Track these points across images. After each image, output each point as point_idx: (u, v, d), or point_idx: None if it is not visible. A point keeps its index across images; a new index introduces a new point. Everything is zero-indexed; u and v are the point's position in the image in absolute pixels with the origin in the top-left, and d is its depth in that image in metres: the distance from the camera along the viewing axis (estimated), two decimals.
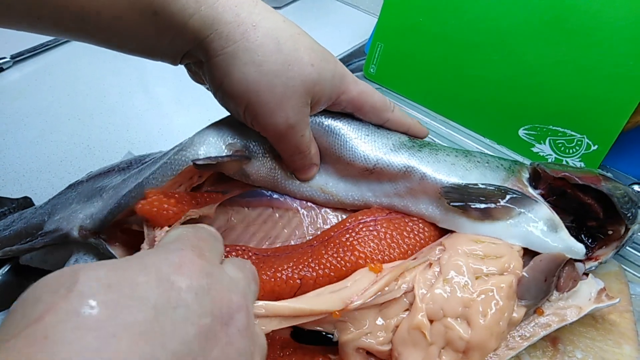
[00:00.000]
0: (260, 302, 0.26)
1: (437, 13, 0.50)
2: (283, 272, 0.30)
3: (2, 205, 0.43)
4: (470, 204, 0.31)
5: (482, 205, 0.31)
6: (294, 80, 0.29)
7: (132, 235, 0.32)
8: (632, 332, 0.34)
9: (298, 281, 0.30)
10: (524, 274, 0.30)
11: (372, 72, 0.56)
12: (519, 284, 0.30)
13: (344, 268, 0.31)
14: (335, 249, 0.31)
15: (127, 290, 0.17)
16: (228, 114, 0.34)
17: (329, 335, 0.30)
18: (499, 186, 0.33)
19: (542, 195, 0.34)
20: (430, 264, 0.31)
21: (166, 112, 0.66)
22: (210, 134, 0.33)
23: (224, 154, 0.32)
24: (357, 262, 0.31)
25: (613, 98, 0.43)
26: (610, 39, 0.42)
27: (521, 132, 0.48)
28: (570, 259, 0.32)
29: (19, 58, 0.71)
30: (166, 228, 0.29)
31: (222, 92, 0.30)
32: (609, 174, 0.35)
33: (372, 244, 0.31)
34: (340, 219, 0.35)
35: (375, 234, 0.32)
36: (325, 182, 0.35)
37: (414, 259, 0.32)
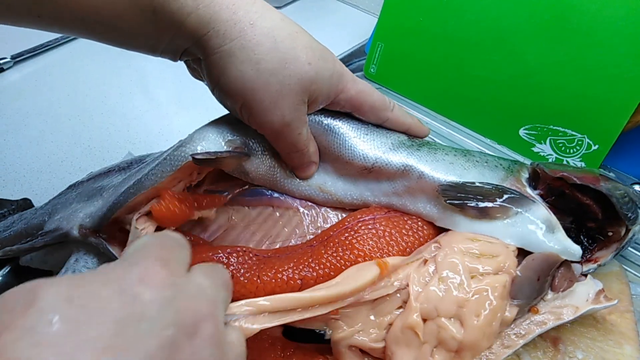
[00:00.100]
0: (242, 301, 0.26)
1: (438, 13, 0.50)
2: (284, 272, 0.30)
3: (1, 207, 0.43)
4: (467, 202, 0.31)
5: (479, 204, 0.31)
6: (290, 78, 0.29)
7: None
8: (633, 332, 0.34)
9: (299, 281, 0.30)
10: (518, 273, 0.30)
11: (372, 72, 0.56)
12: (512, 283, 0.30)
13: (343, 267, 0.31)
14: (334, 249, 0.31)
15: (89, 304, 0.17)
16: (228, 113, 0.34)
17: (321, 332, 0.30)
18: (497, 185, 0.33)
19: (541, 196, 0.34)
20: (425, 261, 0.31)
21: (166, 113, 0.66)
22: (209, 130, 0.33)
23: (224, 150, 0.32)
24: (357, 260, 0.31)
25: (613, 98, 0.43)
26: (610, 38, 0.42)
27: (522, 132, 0.48)
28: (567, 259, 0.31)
29: (19, 58, 0.72)
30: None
31: (219, 89, 0.31)
32: (610, 174, 0.35)
33: (371, 242, 0.31)
34: (340, 218, 0.35)
35: (374, 232, 0.32)
36: (324, 181, 0.35)
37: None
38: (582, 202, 0.33)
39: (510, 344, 0.30)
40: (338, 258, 0.31)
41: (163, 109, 0.67)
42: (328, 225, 0.35)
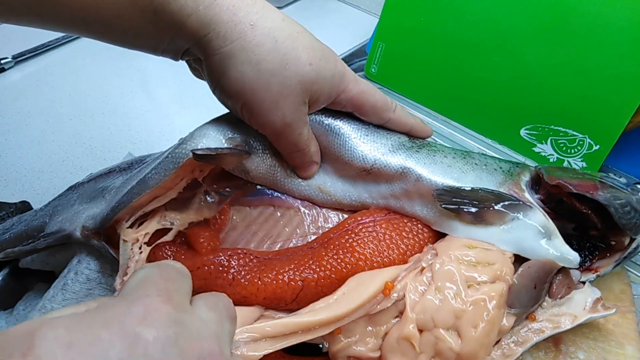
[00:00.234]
0: (243, 327, 0.25)
1: (439, 13, 0.50)
2: (285, 274, 0.30)
3: (0, 209, 0.43)
4: (462, 207, 0.31)
5: (475, 209, 0.31)
6: (291, 79, 0.29)
7: None
8: (634, 332, 0.34)
9: (300, 283, 0.30)
10: (514, 280, 0.30)
11: (373, 72, 0.56)
12: (509, 291, 0.30)
13: (344, 270, 0.31)
14: (335, 251, 0.31)
15: (89, 348, 0.16)
16: (229, 112, 0.34)
17: (319, 346, 0.30)
18: (493, 190, 0.32)
19: (542, 201, 0.33)
20: (422, 269, 0.30)
21: (167, 113, 0.66)
22: (210, 128, 0.33)
23: (224, 147, 0.32)
24: (357, 263, 0.31)
25: (615, 98, 0.43)
26: (611, 39, 0.42)
27: (523, 132, 0.48)
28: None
29: (20, 58, 0.72)
30: (135, 259, 0.30)
31: (220, 90, 0.31)
32: (610, 181, 0.33)
33: (371, 245, 0.31)
34: (341, 218, 0.35)
35: (375, 235, 0.32)
36: (323, 182, 0.35)
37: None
38: (580, 210, 0.32)
39: (511, 353, 0.30)
40: (339, 260, 0.31)
41: (164, 109, 0.67)
42: (329, 225, 0.35)
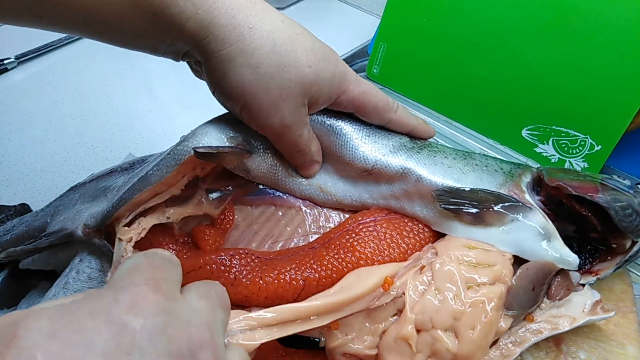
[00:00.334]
0: (239, 317, 0.25)
1: (440, 14, 0.50)
2: (286, 273, 0.30)
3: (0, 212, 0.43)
4: (462, 207, 0.31)
5: (474, 210, 0.31)
6: (290, 82, 0.29)
7: None
8: (635, 332, 0.34)
9: (301, 282, 0.30)
10: (513, 282, 0.30)
11: (375, 73, 0.56)
12: (508, 293, 0.30)
13: (345, 269, 0.31)
14: (336, 250, 0.31)
15: (74, 338, 0.16)
16: None
17: (316, 340, 0.30)
18: (493, 191, 0.32)
19: (543, 202, 0.33)
20: (422, 268, 0.30)
21: (169, 113, 0.66)
22: (212, 126, 0.33)
23: (226, 145, 0.32)
24: (358, 262, 0.31)
25: (617, 98, 0.43)
26: (613, 39, 0.42)
27: (524, 133, 0.48)
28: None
29: (23, 58, 0.72)
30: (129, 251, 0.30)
31: (219, 92, 0.31)
32: (612, 183, 0.33)
33: (372, 245, 0.31)
34: (342, 217, 0.35)
35: (375, 234, 0.32)
36: (324, 182, 0.35)
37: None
38: (580, 213, 0.32)
39: (509, 354, 0.30)
40: (340, 260, 0.31)
41: (166, 109, 0.67)
42: (330, 224, 0.35)
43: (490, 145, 0.50)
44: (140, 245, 0.32)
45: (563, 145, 0.47)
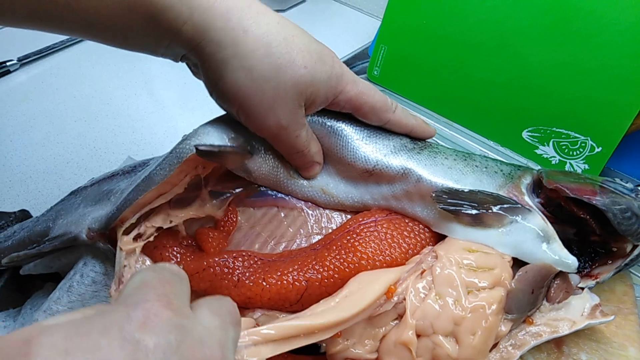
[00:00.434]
0: (244, 332, 0.25)
1: (441, 15, 0.50)
2: (289, 275, 0.31)
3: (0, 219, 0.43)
4: (461, 209, 0.31)
5: (473, 211, 0.31)
6: (285, 84, 0.29)
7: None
8: (637, 334, 0.34)
9: (304, 283, 0.30)
10: (512, 285, 0.30)
11: (375, 75, 0.57)
12: (507, 296, 0.30)
13: (347, 269, 0.31)
14: (337, 251, 0.32)
15: (87, 356, 0.15)
16: None
17: (317, 346, 0.30)
18: (492, 193, 0.32)
19: (542, 205, 0.33)
20: (423, 272, 0.30)
21: (171, 115, 0.66)
22: (213, 126, 0.33)
23: (227, 145, 0.32)
24: (360, 262, 0.31)
25: (617, 100, 0.43)
26: (614, 40, 0.42)
27: (525, 134, 0.48)
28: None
29: (25, 60, 0.72)
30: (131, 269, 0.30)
31: (216, 94, 0.31)
32: (612, 186, 0.33)
33: (373, 245, 0.32)
34: (344, 218, 0.36)
35: (376, 234, 0.32)
36: (326, 183, 0.35)
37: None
38: (578, 215, 0.32)
39: (509, 357, 0.30)
40: (341, 260, 0.31)
41: (168, 111, 0.67)
42: (332, 225, 0.35)
43: (491, 147, 0.50)
44: (145, 249, 0.32)
45: (564, 147, 0.47)
